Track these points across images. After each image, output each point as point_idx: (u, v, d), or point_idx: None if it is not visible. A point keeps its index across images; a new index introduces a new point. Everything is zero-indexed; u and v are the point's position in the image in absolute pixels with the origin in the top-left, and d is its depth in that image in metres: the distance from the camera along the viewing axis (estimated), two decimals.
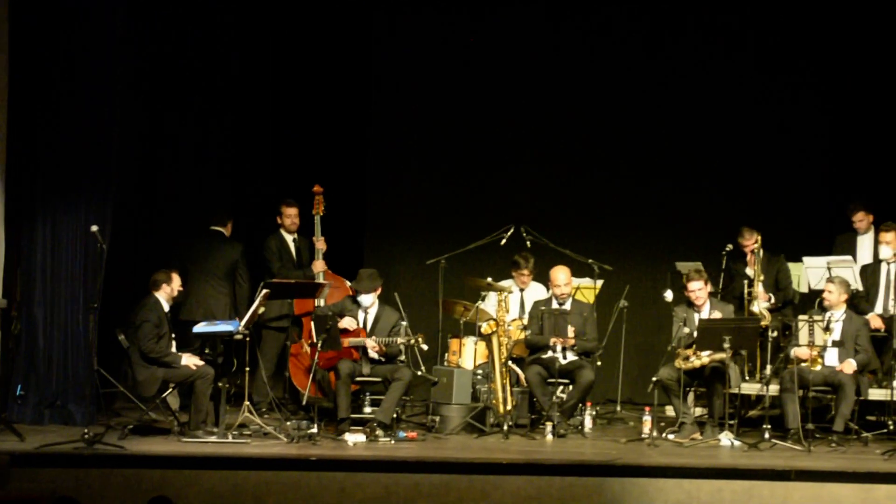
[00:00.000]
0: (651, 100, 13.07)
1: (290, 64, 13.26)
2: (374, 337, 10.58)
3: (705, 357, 10.21)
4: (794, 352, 10.34)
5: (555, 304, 10.89)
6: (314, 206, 11.46)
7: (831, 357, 10.41)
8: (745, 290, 11.34)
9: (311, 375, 10.40)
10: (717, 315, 10.54)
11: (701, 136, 13.09)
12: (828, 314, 10.50)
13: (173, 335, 10.42)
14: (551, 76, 13.07)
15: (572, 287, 11.08)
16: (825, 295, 10.60)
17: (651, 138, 13.09)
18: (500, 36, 13.13)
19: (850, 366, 10.33)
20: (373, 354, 10.48)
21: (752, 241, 11.42)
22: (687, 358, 10.22)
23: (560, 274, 10.96)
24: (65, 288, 10.59)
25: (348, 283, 11.33)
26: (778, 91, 13.01)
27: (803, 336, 10.30)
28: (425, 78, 13.24)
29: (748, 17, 12.97)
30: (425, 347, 10.91)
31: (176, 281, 10.44)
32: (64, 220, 10.61)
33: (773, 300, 11.32)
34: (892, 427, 10.35)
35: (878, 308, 11.19)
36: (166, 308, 10.35)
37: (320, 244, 11.48)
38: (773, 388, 10.49)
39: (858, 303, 11.10)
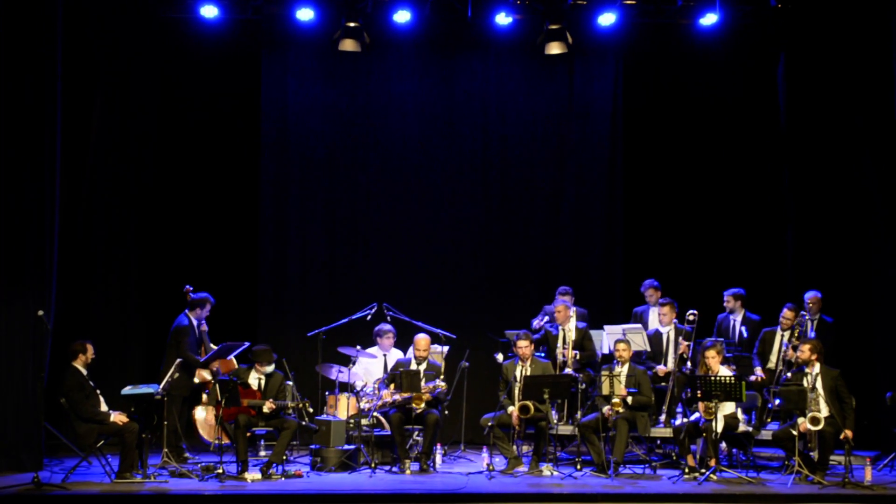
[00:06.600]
0: (481, 207, 14.69)
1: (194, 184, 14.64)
2: (270, 399, 11.54)
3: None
4: (604, 410, 11.57)
5: (413, 365, 12.07)
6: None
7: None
8: (560, 351, 12.64)
9: (219, 425, 11.45)
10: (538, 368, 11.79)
11: (523, 235, 14.72)
12: (618, 367, 11.82)
13: (98, 391, 11.28)
14: (391, 190, 14.64)
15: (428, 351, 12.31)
16: (620, 350, 11.93)
17: (482, 238, 14.69)
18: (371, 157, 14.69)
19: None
20: (266, 410, 11.49)
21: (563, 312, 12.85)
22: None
23: (422, 341, 12.27)
24: (16, 361, 11.66)
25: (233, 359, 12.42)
26: (578, 199, 14.71)
27: (605, 387, 11.64)
28: (302, 190, 14.59)
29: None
30: (311, 410, 11.96)
31: (90, 350, 11.28)
32: (16, 307, 11.70)
33: (578, 356, 12.65)
34: (675, 457, 11.92)
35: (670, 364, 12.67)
36: (84, 372, 11.15)
37: (203, 327, 12.63)
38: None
39: (647, 360, 12.64)
